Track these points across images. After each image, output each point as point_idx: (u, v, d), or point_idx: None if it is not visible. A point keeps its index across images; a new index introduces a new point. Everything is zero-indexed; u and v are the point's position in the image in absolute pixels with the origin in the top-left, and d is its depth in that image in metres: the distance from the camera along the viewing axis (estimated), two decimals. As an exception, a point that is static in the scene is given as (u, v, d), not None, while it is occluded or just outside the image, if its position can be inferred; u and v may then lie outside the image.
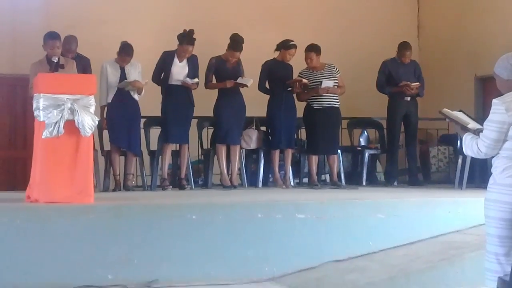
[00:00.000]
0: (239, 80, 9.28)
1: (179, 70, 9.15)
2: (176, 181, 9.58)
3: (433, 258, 5.87)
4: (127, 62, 9.02)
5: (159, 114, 9.30)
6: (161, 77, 9.23)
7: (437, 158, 11.43)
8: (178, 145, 9.45)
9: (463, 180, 9.09)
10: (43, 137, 6.09)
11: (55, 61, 7.41)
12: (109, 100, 9.03)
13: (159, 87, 9.28)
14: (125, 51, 8.98)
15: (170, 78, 9.15)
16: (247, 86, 9.32)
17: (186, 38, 9.05)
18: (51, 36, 7.73)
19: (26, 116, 10.06)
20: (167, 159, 9.27)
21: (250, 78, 9.36)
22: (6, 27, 10.96)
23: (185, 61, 9.18)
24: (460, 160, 9.21)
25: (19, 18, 10.99)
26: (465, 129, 4.75)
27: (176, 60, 9.15)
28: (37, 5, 11.06)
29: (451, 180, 9.74)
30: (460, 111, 5.07)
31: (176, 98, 9.15)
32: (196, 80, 9.16)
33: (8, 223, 5.34)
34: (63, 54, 8.64)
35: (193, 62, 9.24)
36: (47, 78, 6.47)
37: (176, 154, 9.57)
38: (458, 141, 8.68)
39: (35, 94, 6.23)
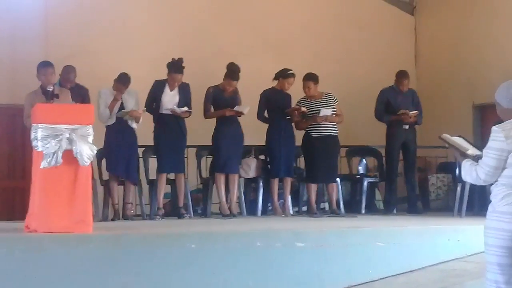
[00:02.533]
0: (236, 108, 9.30)
1: (169, 99, 9.15)
2: (175, 210, 9.57)
3: (434, 286, 5.85)
4: (122, 91, 9.03)
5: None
6: (153, 106, 9.24)
7: (436, 186, 11.41)
8: (174, 174, 9.44)
9: (462, 207, 9.08)
10: (41, 167, 6.09)
11: (51, 89, 7.41)
12: (112, 122, 9.01)
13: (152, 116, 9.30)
14: (121, 81, 9.01)
15: (161, 107, 9.16)
16: (243, 113, 9.33)
17: (174, 66, 9.08)
18: (44, 65, 7.78)
19: (25, 146, 10.04)
20: (163, 188, 9.25)
21: (247, 106, 9.38)
22: (5, 57, 10.99)
23: (176, 89, 9.19)
24: (459, 188, 9.20)
25: (18, 48, 11.02)
26: (465, 155, 4.75)
27: (167, 89, 9.16)
28: (36, 35, 11.10)
29: (450, 207, 9.72)
30: (459, 136, 5.08)
31: (168, 128, 9.15)
32: (185, 108, 9.13)
33: (7, 253, 5.33)
34: (62, 84, 8.69)
35: (184, 91, 9.23)
36: (45, 109, 6.48)
37: (174, 183, 9.56)
38: (457, 169, 8.66)
39: (33, 125, 6.24)
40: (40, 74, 7.72)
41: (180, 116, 9.18)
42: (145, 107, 9.21)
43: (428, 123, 10.65)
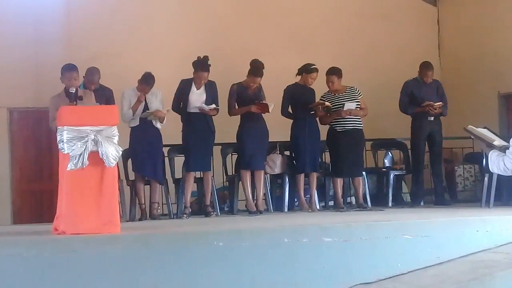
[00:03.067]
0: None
1: (196, 98, 9.16)
2: (202, 209, 9.59)
3: (463, 278, 5.81)
4: (147, 91, 9.07)
5: (181, 142, 9.32)
6: (181, 106, 9.26)
7: (463, 177, 11.36)
8: (202, 172, 9.46)
9: (490, 198, 9.02)
10: (68, 169, 6.12)
11: (72, 91, 7.45)
12: (136, 124, 9.05)
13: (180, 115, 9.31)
14: (146, 81, 9.05)
15: (189, 106, 9.17)
16: (268, 111, 9.31)
17: (200, 64, 9.09)
18: (68, 68, 7.81)
19: (52, 149, 10.13)
20: (190, 187, 9.27)
21: (272, 103, 9.35)
22: (29, 60, 11.10)
23: (202, 88, 9.20)
24: (486, 178, 9.15)
25: (42, 52, 11.11)
26: (491, 146, 4.72)
27: (193, 87, 9.18)
28: (60, 38, 11.18)
29: (478, 198, 9.68)
30: (484, 128, 5.05)
31: (196, 126, 9.16)
32: (213, 106, 9.15)
33: (36, 256, 5.36)
34: (86, 86, 8.73)
35: (211, 89, 9.24)
36: (70, 111, 6.50)
37: (201, 182, 9.58)
38: (484, 159, 8.63)
39: (58, 127, 6.27)
40: (64, 77, 7.76)
41: (208, 114, 9.19)
42: (172, 106, 9.24)
43: (454, 114, 10.60)
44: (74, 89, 7.55)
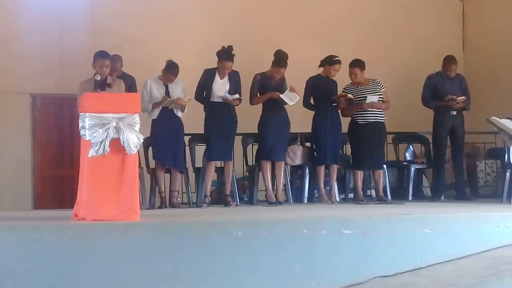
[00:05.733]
0: (286, 93, 9.25)
1: (220, 87, 9.17)
2: (221, 198, 9.60)
3: (483, 273, 5.78)
4: (172, 81, 9.09)
5: (203, 131, 9.33)
6: (203, 95, 9.27)
7: (485, 172, 11.30)
8: (222, 162, 9.47)
9: (511, 194, 8.96)
10: (89, 155, 6.14)
11: (97, 79, 7.49)
12: (154, 117, 9.10)
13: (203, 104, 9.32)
14: (171, 70, 9.05)
15: (212, 95, 9.18)
16: (286, 103, 9.28)
17: (225, 54, 9.08)
18: (101, 55, 7.85)
19: (73, 135, 10.18)
20: (211, 176, 9.28)
21: (297, 96, 9.31)
22: (53, 47, 11.13)
23: (226, 77, 9.20)
24: (508, 174, 9.07)
25: (66, 38, 11.15)
26: (513, 138, 4.69)
27: (217, 77, 9.18)
28: (84, 25, 11.21)
29: (499, 194, 9.60)
30: (508, 118, 5.01)
31: (219, 115, 9.17)
32: (236, 96, 9.16)
33: (56, 241, 5.39)
34: (109, 73, 8.75)
35: (234, 79, 9.25)
36: (93, 98, 6.52)
37: (221, 171, 9.59)
38: (506, 155, 8.57)
39: (80, 114, 6.29)
40: (95, 64, 7.82)
41: (231, 104, 9.19)
42: (195, 96, 9.25)
43: (477, 109, 10.53)
44: (99, 77, 7.59)
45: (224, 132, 9.20)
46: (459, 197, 9.97)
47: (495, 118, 5.78)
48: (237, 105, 9.27)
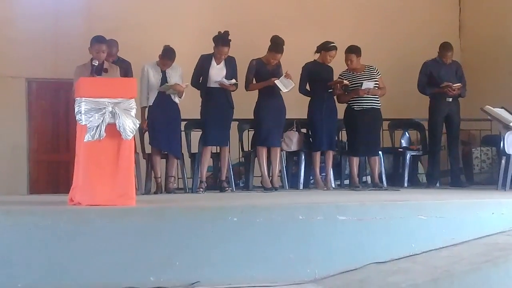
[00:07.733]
0: (281, 79, 9.24)
1: (217, 72, 9.16)
2: (217, 184, 9.61)
3: (477, 260, 5.80)
4: (169, 66, 9.08)
5: (200, 117, 9.32)
6: (200, 81, 9.25)
7: (480, 159, 11.32)
8: (218, 147, 9.47)
9: (507, 181, 8.97)
10: (85, 140, 6.13)
11: (95, 64, 7.49)
12: (150, 103, 9.09)
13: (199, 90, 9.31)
14: (168, 55, 9.04)
15: (209, 81, 9.17)
16: (281, 90, 9.27)
17: (221, 39, 9.07)
18: (98, 40, 7.84)
19: (69, 120, 10.18)
20: (206, 161, 9.28)
21: (292, 83, 9.31)
22: (49, 32, 11.10)
23: (222, 63, 9.19)
24: (503, 161, 9.08)
25: (61, 23, 11.12)
26: (508, 127, 4.69)
27: (213, 62, 9.17)
28: (79, 9, 11.18)
29: (494, 181, 9.62)
30: (502, 108, 5.02)
31: (215, 101, 9.16)
32: (233, 81, 9.16)
33: (51, 226, 5.39)
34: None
35: (231, 64, 9.24)
36: (88, 82, 6.51)
37: (217, 157, 9.59)
38: (501, 142, 8.58)
39: (76, 98, 6.28)
40: (92, 48, 7.80)
41: (227, 89, 9.18)
42: (191, 81, 9.24)
43: (473, 96, 10.53)
44: (96, 62, 7.58)
45: (221, 117, 9.19)
46: (455, 184, 9.99)
47: (489, 107, 5.75)
48: (233, 90, 9.27)
